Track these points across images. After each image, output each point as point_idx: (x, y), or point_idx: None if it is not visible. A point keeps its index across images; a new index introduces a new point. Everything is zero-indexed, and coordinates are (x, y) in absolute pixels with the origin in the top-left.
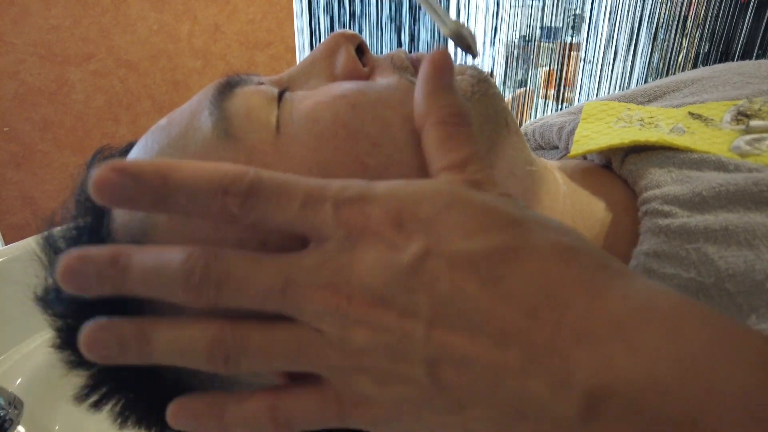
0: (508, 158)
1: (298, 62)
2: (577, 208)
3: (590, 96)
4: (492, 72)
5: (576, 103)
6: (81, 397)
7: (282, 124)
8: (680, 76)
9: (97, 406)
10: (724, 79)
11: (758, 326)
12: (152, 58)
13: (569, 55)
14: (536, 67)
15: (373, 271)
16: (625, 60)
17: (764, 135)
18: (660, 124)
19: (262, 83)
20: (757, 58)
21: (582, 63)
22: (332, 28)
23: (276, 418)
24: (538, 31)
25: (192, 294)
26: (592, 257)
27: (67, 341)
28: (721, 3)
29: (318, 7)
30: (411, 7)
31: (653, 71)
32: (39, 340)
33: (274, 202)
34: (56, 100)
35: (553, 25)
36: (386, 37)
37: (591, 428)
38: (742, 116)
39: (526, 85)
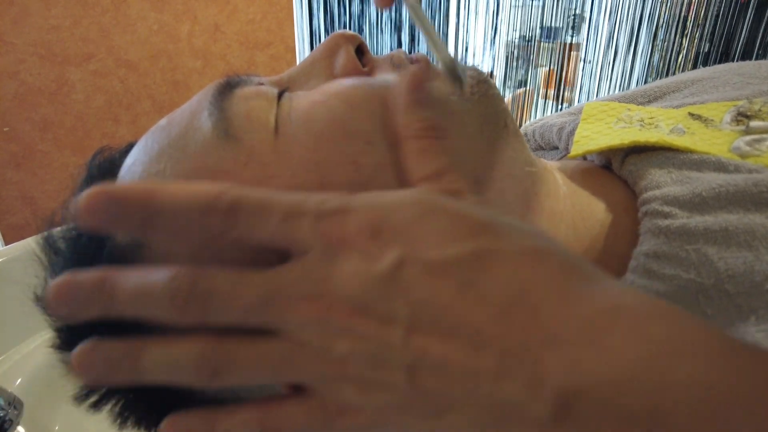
0: (507, 159)
1: (298, 62)
2: (577, 208)
3: (590, 96)
4: (492, 72)
5: (576, 103)
6: (81, 398)
7: (281, 124)
8: (680, 77)
9: (96, 406)
10: (724, 79)
11: (758, 327)
12: (152, 58)
13: (569, 55)
14: (536, 67)
15: (352, 280)
16: (625, 60)
17: (764, 136)
18: (660, 125)
19: (262, 83)
20: (757, 58)
21: (582, 63)
22: (332, 28)
23: (265, 429)
24: (538, 31)
25: (177, 312)
26: (562, 260)
27: (66, 342)
28: (721, 3)
29: (318, 7)
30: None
31: (653, 71)
32: (39, 340)
33: (254, 218)
34: (56, 100)
35: (553, 25)
36: (386, 37)
37: (565, 428)
38: (742, 117)
39: (526, 85)
